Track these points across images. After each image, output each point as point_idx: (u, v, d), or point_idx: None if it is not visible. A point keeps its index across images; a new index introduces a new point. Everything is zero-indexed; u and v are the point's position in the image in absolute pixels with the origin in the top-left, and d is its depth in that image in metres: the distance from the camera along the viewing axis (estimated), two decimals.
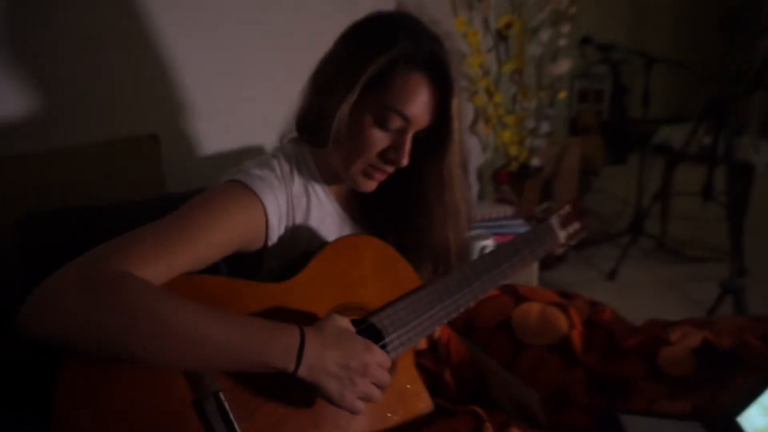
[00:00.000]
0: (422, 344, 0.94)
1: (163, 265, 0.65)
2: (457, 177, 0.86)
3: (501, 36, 2.15)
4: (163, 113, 1.30)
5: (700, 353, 1.02)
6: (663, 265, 2.82)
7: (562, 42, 2.18)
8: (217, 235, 0.72)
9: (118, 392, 0.61)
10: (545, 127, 2.26)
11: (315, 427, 0.73)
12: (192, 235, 0.69)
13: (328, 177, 0.90)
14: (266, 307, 0.72)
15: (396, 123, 0.79)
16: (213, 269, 0.76)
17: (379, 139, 0.80)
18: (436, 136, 0.83)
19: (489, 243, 1.54)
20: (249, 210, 0.77)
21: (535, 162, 2.29)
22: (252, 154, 1.49)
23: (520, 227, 1.79)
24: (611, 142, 4.69)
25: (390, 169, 0.84)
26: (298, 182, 0.87)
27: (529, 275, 1.95)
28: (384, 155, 0.82)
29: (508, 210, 1.94)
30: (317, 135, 0.84)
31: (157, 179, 1.21)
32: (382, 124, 0.79)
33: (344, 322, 0.72)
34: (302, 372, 0.65)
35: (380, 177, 0.84)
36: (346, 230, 0.92)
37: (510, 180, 2.17)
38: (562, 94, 2.26)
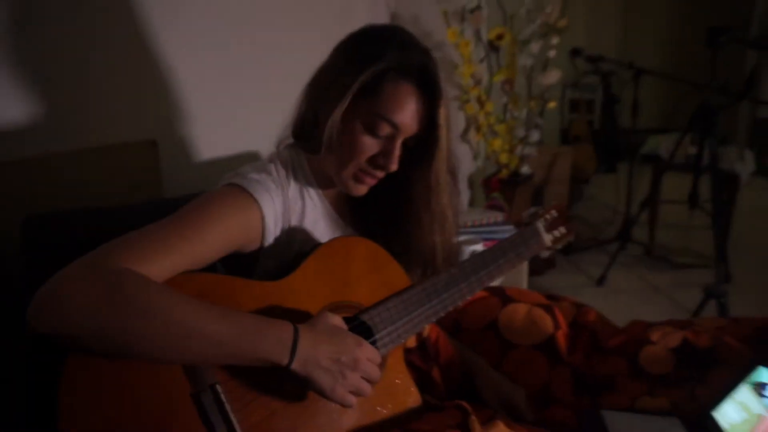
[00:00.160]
0: (411, 343, 0.97)
1: (163, 264, 0.68)
2: (445, 183, 0.89)
3: (492, 47, 2.20)
4: (161, 120, 1.33)
5: (679, 352, 1.06)
6: (650, 272, 2.87)
7: (552, 53, 2.24)
8: (215, 236, 0.75)
9: (120, 386, 0.64)
10: (535, 135, 2.30)
11: (308, 420, 0.76)
12: (191, 235, 0.73)
13: (322, 182, 0.94)
14: (261, 304, 0.76)
15: (385, 130, 0.83)
16: (210, 269, 0.79)
17: (370, 145, 0.84)
18: (425, 143, 0.87)
19: (479, 248, 1.58)
20: (246, 212, 0.81)
21: (526, 170, 2.34)
22: (248, 160, 1.52)
23: (510, 233, 1.83)
24: (602, 151, 4.76)
25: (380, 174, 0.87)
26: (293, 186, 0.90)
27: (518, 280, 1.99)
28: (374, 161, 0.86)
29: (498, 216, 1.98)
30: (312, 141, 0.88)
31: (154, 183, 1.24)
32: (372, 131, 0.83)
33: (336, 320, 0.76)
34: (295, 366, 0.68)
35: (370, 182, 0.88)
36: (339, 233, 0.96)
37: (501, 187, 2.21)
38: (552, 104, 2.31)
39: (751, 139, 4.91)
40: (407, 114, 0.83)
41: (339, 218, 0.96)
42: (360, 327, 0.83)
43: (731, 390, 0.93)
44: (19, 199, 1.01)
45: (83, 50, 1.15)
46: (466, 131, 2.24)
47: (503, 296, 1.17)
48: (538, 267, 2.82)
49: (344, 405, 0.73)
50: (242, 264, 0.86)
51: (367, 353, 0.75)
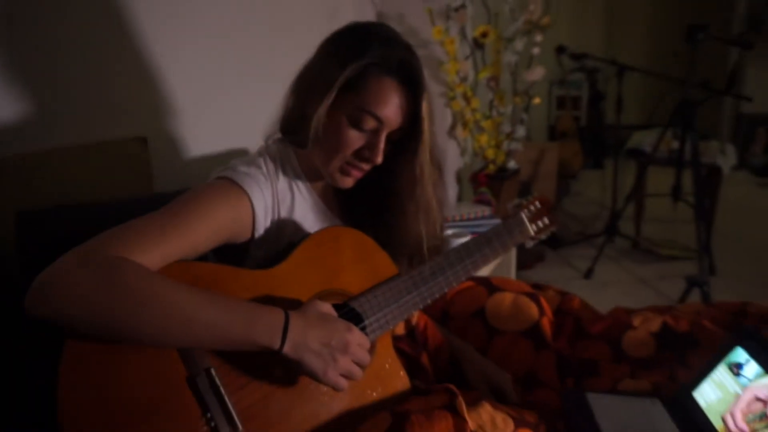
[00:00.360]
0: (400, 330, 1.00)
1: (156, 253, 0.70)
2: (429, 175, 0.92)
3: (477, 44, 2.23)
4: (151, 117, 1.35)
5: (660, 336, 1.10)
6: (637, 264, 2.92)
7: (536, 50, 2.28)
8: (207, 226, 0.78)
9: (118, 370, 0.66)
10: (521, 131, 2.34)
11: (300, 403, 0.79)
12: (183, 226, 0.75)
13: (310, 175, 0.96)
14: (252, 292, 0.78)
15: (370, 124, 0.86)
16: (201, 260, 0.81)
17: (355, 138, 0.87)
18: (409, 136, 0.90)
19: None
20: (236, 204, 0.83)
21: (512, 165, 2.37)
22: (237, 156, 1.53)
23: None
24: (588, 146, 4.82)
25: (366, 166, 0.90)
26: (282, 179, 0.93)
27: (506, 274, 2.03)
28: (359, 154, 0.88)
29: (486, 211, 2.01)
30: (299, 136, 0.91)
31: (145, 179, 1.26)
32: (357, 125, 0.86)
33: (326, 307, 0.78)
34: (287, 349, 0.71)
35: (357, 174, 0.91)
36: (328, 224, 0.98)
37: (488, 182, 2.25)
38: (537, 100, 2.35)
39: (735, 133, 4.99)
40: (391, 108, 0.85)
41: (327, 210, 0.99)
42: (349, 314, 0.86)
43: (710, 370, 0.97)
44: (10, 195, 1.02)
45: (74, 48, 1.16)
46: (452, 127, 2.27)
47: (490, 286, 1.20)
48: (526, 261, 2.86)
49: (336, 388, 0.75)
50: (233, 255, 0.88)
51: (357, 338, 0.77)
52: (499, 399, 1.00)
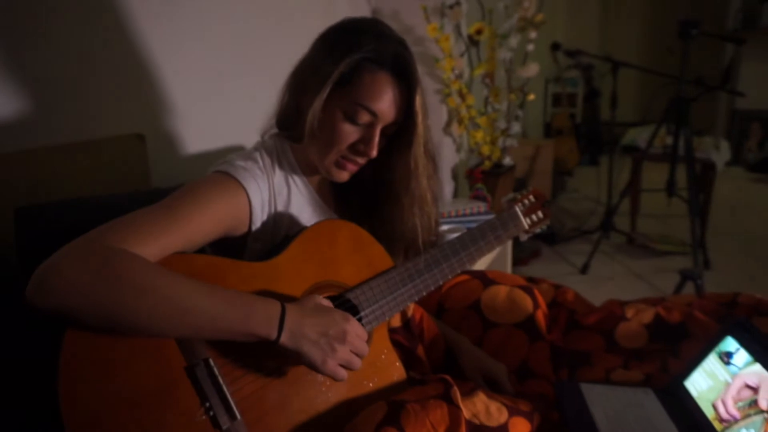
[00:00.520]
0: (396, 322, 1.01)
1: (155, 245, 0.72)
2: (423, 168, 0.94)
3: (472, 41, 2.25)
4: (149, 114, 1.36)
5: (652, 327, 1.12)
6: (632, 259, 2.94)
7: (531, 47, 2.29)
8: (205, 219, 0.79)
9: (117, 360, 0.67)
10: (516, 127, 2.36)
11: (297, 394, 0.80)
12: (181, 218, 0.76)
13: (306, 169, 0.97)
14: (249, 284, 0.79)
15: (364, 118, 0.87)
16: (199, 253, 0.82)
17: (350, 132, 0.88)
18: (403, 130, 0.91)
19: None
20: (234, 197, 0.84)
21: (508, 161, 2.39)
22: (233, 152, 1.55)
23: None
24: (584, 143, 4.85)
25: (361, 160, 0.91)
26: (279, 173, 0.94)
27: (502, 270, 2.04)
28: (355, 147, 0.89)
29: (482, 206, 2.02)
30: (295, 130, 0.92)
31: (143, 176, 1.27)
32: (351, 119, 0.87)
33: (323, 300, 0.79)
34: (284, 339, 0.72)
35: (352, 168, 0.92)
36: (324, 218, 0.99)
37: (483, 178, 2.26)
38: (532, 96, 2.36)
39: (729, 129, 5.02)
40: (385, 102, 0.86)
41: (323, 203, 1.00)
42: (345, 305, 0.87)
43: (701, 359, 0.98)
44: (9, 192, 1.03)
45: (72, 46, 1.17)
46: (448, 124, 2.28)
47: (485, 279, 1.22)
48: (522, 257, 2.87)
49: (335, 378, 0.76)
50: (231, 248, 0.89)
51: (354, 328, 0.78)
52: (495, 390, 1.02)
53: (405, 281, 0.94)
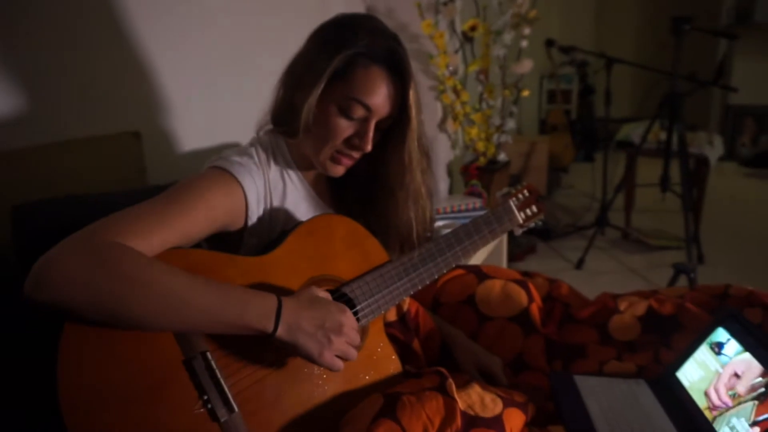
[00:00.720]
0: (392, 316, 1.02)
1: (152, 239, 0.72)
2: (417, 162, 0.95)
3: (466, 38, 2.26)
4: (144, 112, 1.36)
5: (645, 319, 1.13)
6: (627, 254, 2.96)
7: (524, 43, 2.30)
8: (201, 214, 0.80)
9: (115, 354, 0.68)
10: (510, 123, 2.37)
11: (294, 386, 0.81)
12: (178, 213, 0.77)
13: (302, 164, 0.98)
14: (246, 278, 0.80)
15: (359, 112, 0.88)
16: (195, 248, 0.83)
17: (344, 127, 0.89)
18: (397, 125, 0.92)
19: None
20: (229, 192, 0.85)
21: (502, 157, 2.40)
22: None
23: None
24: (579, 139, 4.87)
25: (356, 154, 0.92)
26: (274, 169, 0.95)
27: (498, 265, 2.05)
28: (349, 142, 0.90)
29: (477, 202, 2.04)
30: (290, 126, 0.93)
31: (139, 174, 1.27)
32: (346, 114, 0.88)
33: (320, 292, 0.80)
34: (281, 332, 0.73)
35: (347, 162, 0.93)
36: (320, 212, 1.00)
37: (479, 174, 2.27)
38: (526, 92, 2.37)
39: (723, 124, 5.05)
40: (379, 96, 0.87)
41: (319, 199, 1.01)
42: (341, 299, 0.87)
43: (692, 350, 1.00)
44: (5, 190, 1.03)
45: (67, 44, 1.17)
46: (443, 121, 2.29)
47: (479, 273, 1.23)
48: (518, 252, 2.89)
49: (332, 369, 0.77)
50: (227, 243, 0.90)
51: (350, 320, 0.79)
52: (490, 382, 1.03)
53: (400, 275, 0.95)
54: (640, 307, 1.15)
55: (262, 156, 0.93)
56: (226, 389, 0.73)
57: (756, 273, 2.64)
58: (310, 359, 0.76)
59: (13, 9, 1.07)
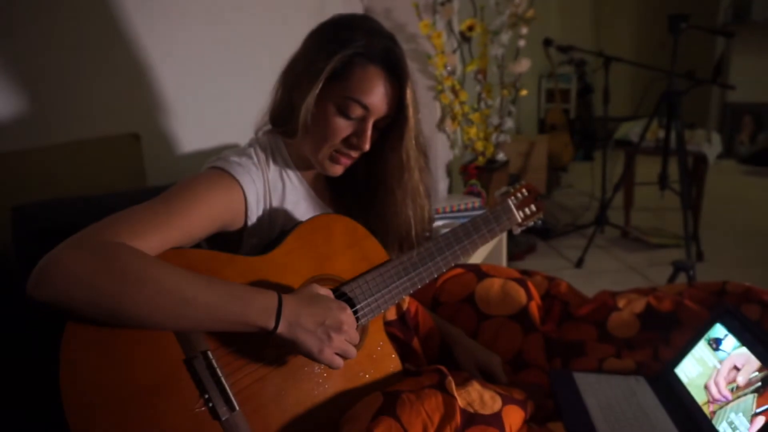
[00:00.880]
0: (392, 315, 1.02)
1: (152, 239, 0.73)
2: (415, 160, 0.95)
3: (464, 38, 2.26)
4: (144, 114, 1.37)
5: (643, 316, 1.13)
6: (626, 252, 2.96)
7: (522, 43, 2.31)
8: (201, 214, 0.80)
9: (117, 353, 0.68)
10: (509, 123, 2.37)
11: (294, 385, 0.81)
12: (178, 213, 0.77)
13: (300, 164, 0.99)
14: (246, 278, 0.80)
15: (357, 112, 0.88)
16: (195, 248, 0.83)
17: (343, 127, 0.89)
18: (394, 124, 0.93)
19: None
20: (229, 192, 0.85)
21: (501, 156, 2.41)
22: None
23: None
24: (578, 138, 4.87)
25: (354, 154, 0.93)
26: (273, 169, 0.95)
27: (498, 264, 2.06)
28: (348, 141, 0.91)
29: (476, 202, 2.04)
30: (288, 126, 0.93)
31: (138, 176, 1.28)
32: (344, 114, 0.89)
33: (322, 290, 0.81)
34: (281, 330, 0.73)
35: (346, 162, 0.93)
36: (319, 212, 1.01)
37: (477, 174, 2.27)
38: (524, 92, 2.38)
39: (722, 122, 5.06)
40: (377, 96, 0.88)
41: (318, 198, 1.01)
42: (341, 298, 0.88)
43: (691, 347, 1.00)
44: (6, 191, 1.04)
45: (68, 46, 1.18)
46: (441, 121, 2.29)
47: (479, 272, 1.23)
48: (518, 252, 2.89)
49: (332, 366, 0.77)
50: (227, 243, 0.90)
51: (350, 318, 0.80)
52: (490, 380, 1.03)
53: (400, 274, 0.95)
54: (639, 305, 1.15)
55: (261, 156, 0.94)
56: (227, 388, 0.73)
57: (755, 270, 2.64)
58: (310, 356, 0.76)
59: (12, 11, 1.08)
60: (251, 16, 1.68)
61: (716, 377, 0.91)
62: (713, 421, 0.87)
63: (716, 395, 0.89)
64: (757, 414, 0.80)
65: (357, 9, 2.15)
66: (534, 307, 1.17)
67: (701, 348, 0.98)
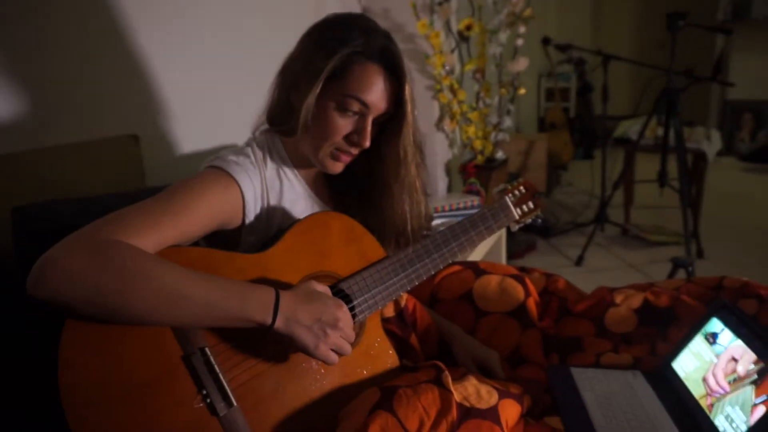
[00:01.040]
0: (390, 312, 1.03)
1: (150, 237, 0.73)
2: (412, 155, 0.96)
3: (462, 37, 2.27)
4: (143, 116, 1.38)
5: (641, 312, 1.14)
6: (627, 250, 2.97)
7: (520, 42, 2.31)
8: (199, 212, 0.81)
9: (116, 350, 0.69)
10: (507, 121, 2.38)
11: (292, 381, 0.82)
12: (177, 212, 0.78)
13: (298, 163, 0.99)
14: (244, 274, 0.81)
15: (357, 109, 0.89)
16: (193, 246, 0.84)
17: (343, 124, 0.90)
18: (392, 120, 0.94)
19: None
20: (227, 190, 0.86)
21: (500, 155, 2.41)
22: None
23: None
24: (578, 137, 4.87)
25: (354, 151, 0.94)
26: (270, 167, 0.96)
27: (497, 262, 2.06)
28: (348, 139, 0.92)
29: (475, 200, 2.05)
30: (287, 125, 0.94)
31: (137, 177, 1.29)
32: (344, 111, 0.89)
33: (320, 286, 0.81)
34: (278, 325, 0.74)
35: (346, 159, 0.94)
36: (316, 210, 1.01)
37: (477, 173, 2.28)
38: (522, 91, 2.38)
39: (722, 120, 5.06)
40: (376, 93, 0.89)
41: (316, 197, 1.02)
42: (339, 295, 0.88)
43: (687, 341, 1.01)
44: (6, 192, 1.05)
45: (66, 48, 1.19)
46: (440, 120, 2.30)
47: (476, 269, 1.24)
48: (518, 250, 2.90)
49: (327, 362, 0.78)
50: (225, 241, 0.91)
51: (346, 315, 0.80)
52: (488, 377, 1.04)
53: (397, 271, 0.96)
54: (636, 300, 1.16)
55: (259, 154, 0.95)
56: (225, 384, 0.74)
57: (755, 267, 2.64)
58: (305, 351, 0.77)
59: (11, 13, 1.08)
60: (249, 16, 1.69)
61: (714, 369, 0.91)
62: (710, 414, 0.87)
63: (714, 387, 0.90)
64: (756, 404, 0.81)
65: (355, 9, 2.16)
66: (531, 304, 1.18)
67: (698, 342, 0.99)
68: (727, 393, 0.87)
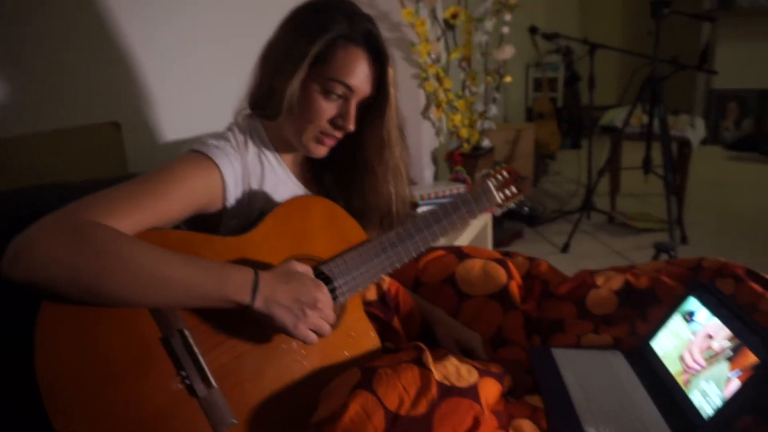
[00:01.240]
0: (372, 295, 1.03)
1: (129, 219, 0.73)
2: (396, 138, 0.97)
3: (448, 25, 2.26)
4: (124, 103, 1.37)
5: (621, 293, 1.15)
6: (612, 237, 2.99)
7: (506, 30, 2.31)
8: (179, 195, 0.81)
9: (93, 333, 0.69)
10: (493, 110, 2.38)
11: (273, 362, 0.82)
12: (155, 195, 0.78)
13: (280, 147, 0.99)
14: (225, 256, 0.81)
15: (341, 93, 0.90)
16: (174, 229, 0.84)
17: (327, 108, 0.90)
18: (376, 103, 0.94)
19: None
20: (207, 174, 0.86)
21: (486, 143, 2.42)
22: None
23: None
24: (566, 127, 4.89)
25: (339, 134, 0.94)
26: (252, 151, 0.96)
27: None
28: (333, 122, 0.92)
29: (461, 188, 2.05)
30: (269, 109, 0.94)
31: (119, 163, 1.28)
32: (328, 95, 0.90)
33: (301, 267, 0.82)
34: (258, 304, 0.74)
35: (330, 143, 0.94)
36: (298, 194, 1.01)
37: (463, 161, 2.29)
38: (508, 79, 2.39)
39: (707, 109, 5.10)
40: (360, 76, 0.89)
41: (298, 181, 1.02)
42: (319, 276, 0.89)
43: (666, 320, 1.02)
44: None
45: (47, 35, 1.17)
46: (426, 108, 2.30)
47: (460, 253, 1.25)
48: (504, 238, 2.91)
49: (306, 341, 0.79)
50: (205, 225, 0.91)
51: (325, 296, 0.81)
52: (470, 359, 1.04)
53: (378, 253, 0.96)
54: (617, 282, 1.17)
55: (240, 138, 0.94)
56: (204, 365, 0.74)
57: (738, 253, 2.68)
58: (285, 331, 0.77)
59: None
60: (232, 4, 1.67)
61: (691, 346, 0.93)
62: (686, 390, 0.89)
63: (691, 363, 0.91)
64: (730, 378, 0.83)
65: None
66: (514, 287, 1.19)
67: (676, 321, 1.00)
68: (703, 368, 0.89)
